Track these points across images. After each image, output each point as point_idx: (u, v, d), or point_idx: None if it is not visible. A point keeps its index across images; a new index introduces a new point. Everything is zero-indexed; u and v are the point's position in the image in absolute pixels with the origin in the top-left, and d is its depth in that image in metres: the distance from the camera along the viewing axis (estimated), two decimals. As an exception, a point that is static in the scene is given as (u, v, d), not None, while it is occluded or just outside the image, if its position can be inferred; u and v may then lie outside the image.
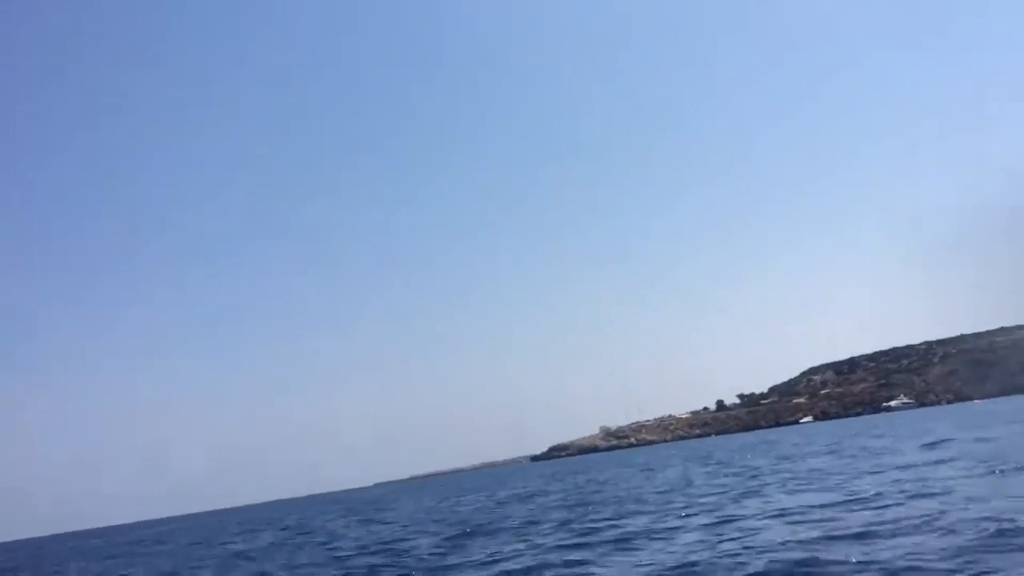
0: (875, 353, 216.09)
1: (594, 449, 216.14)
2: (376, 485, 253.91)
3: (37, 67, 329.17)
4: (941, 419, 76.63)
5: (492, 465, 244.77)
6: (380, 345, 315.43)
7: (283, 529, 51.21)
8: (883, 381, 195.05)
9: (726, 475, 38.47)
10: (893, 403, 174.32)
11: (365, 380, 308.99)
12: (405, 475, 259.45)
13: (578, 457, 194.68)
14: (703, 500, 26.49)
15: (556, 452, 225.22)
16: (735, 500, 25.01)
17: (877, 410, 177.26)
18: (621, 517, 24.41)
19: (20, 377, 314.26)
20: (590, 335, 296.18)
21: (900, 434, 57.04)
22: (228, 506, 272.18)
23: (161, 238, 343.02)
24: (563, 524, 24.80)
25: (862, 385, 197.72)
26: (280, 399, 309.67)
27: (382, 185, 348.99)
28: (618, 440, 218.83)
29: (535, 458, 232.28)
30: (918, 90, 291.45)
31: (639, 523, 22.15)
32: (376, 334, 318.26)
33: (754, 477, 34.20)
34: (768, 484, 29.31)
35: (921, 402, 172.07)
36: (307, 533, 41.99)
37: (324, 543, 31.88)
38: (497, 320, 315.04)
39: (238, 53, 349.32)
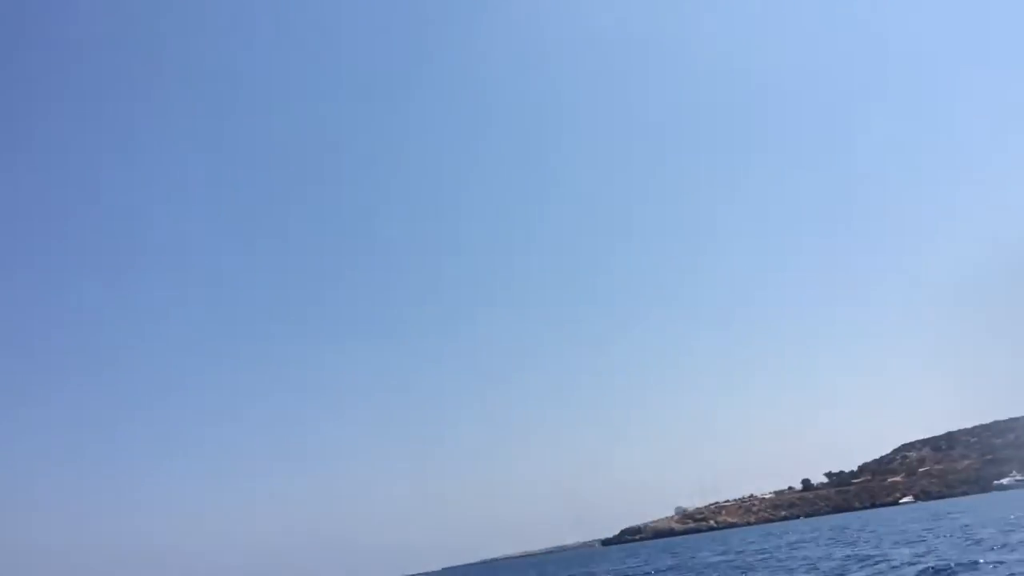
0: (975, 427, 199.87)
1: (670, 532, 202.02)
2: (444, 570, 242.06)
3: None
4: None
5: (563, 549, 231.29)
6: (440, 424, 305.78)
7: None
8: (989, 457, 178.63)
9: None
10: (1006, 480, 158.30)
11: (428, 462, 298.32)
12: (473, 559, 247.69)
13: (653, 541, 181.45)
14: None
15: (628, 535, 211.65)
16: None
17: (986, 489, 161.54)
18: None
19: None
20: (664, 410, 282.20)
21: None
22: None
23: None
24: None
25: (965, 462, 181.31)
26: (352, 482, 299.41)
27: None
28: (695, 522, 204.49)
29: (606, 542, 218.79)
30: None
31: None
32: (437, 412, 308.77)
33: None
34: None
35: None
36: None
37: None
38: (562, 394, 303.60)
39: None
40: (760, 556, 46.11)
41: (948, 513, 73.76)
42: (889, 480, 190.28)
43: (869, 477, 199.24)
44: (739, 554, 51.82)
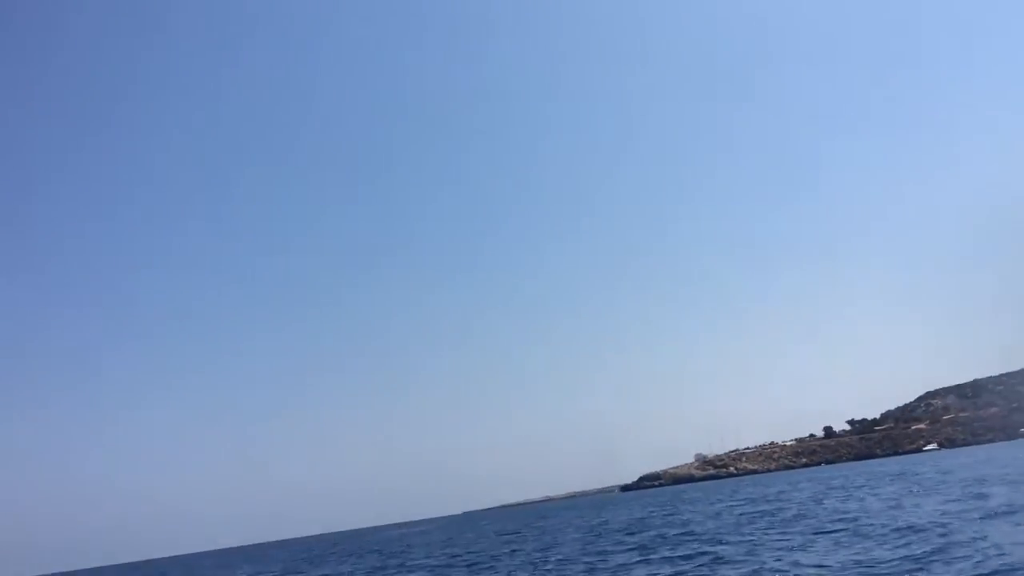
0: (1002, 376, 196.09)
1: (689, 479, 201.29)
2: (464, 514, 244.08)
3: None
4: None
5: (582, 495, 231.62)
6: (465, 374, 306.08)
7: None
8: (1016, 405, 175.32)
9: None
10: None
11: (452, 409, 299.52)
12: (493, 503, 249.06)
13: (672, 487, 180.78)
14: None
15: (647, 482, 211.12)
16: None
17: (1012, 436, 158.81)
18: None
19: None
20: (683, 357, 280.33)
21: None
22: (319, 532, 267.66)
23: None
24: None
25: (992, 409, 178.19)
26: (369, 427, 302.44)
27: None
28: (715, 469, 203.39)
29: (625, 487, 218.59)
30: None
31: None
32: (461, 361, 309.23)
33: None
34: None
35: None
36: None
37: None
38: (582, 343, 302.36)
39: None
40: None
41: (966, 464, 71.48)
42: (913, 428, 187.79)
43: (892, 425, 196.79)
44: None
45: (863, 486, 50.92)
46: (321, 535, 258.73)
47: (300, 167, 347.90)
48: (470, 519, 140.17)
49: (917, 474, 59.20)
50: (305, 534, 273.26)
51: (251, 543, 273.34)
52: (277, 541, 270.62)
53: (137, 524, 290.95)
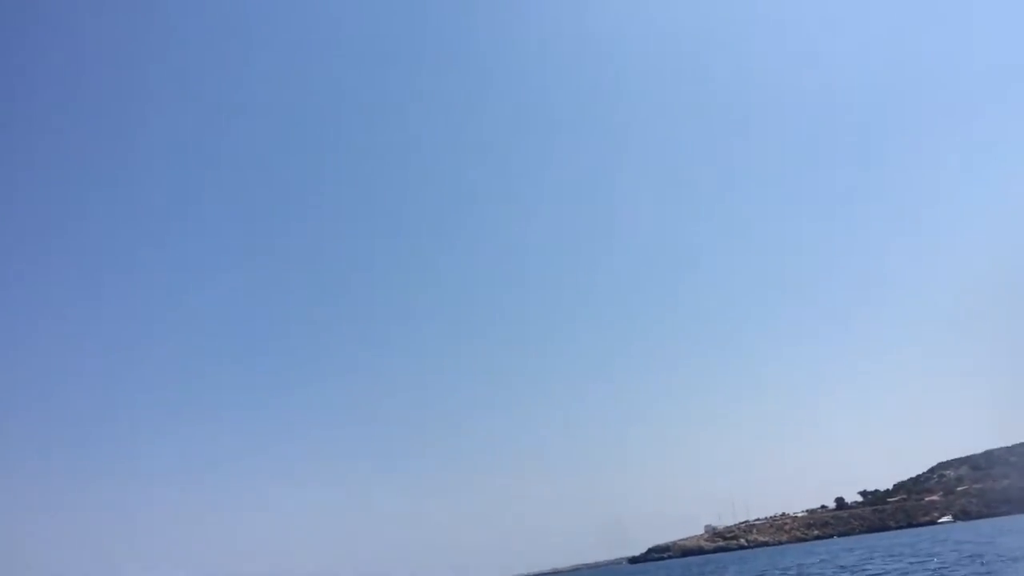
0: (1015, 446, 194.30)
1: (699, 551, 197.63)
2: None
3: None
4: None
5: (590, 567, 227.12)
6: (461, 438, 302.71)
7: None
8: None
9: None
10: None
11: (455, 476, 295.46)
12: (500, 575, 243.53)
13: (681, 559, 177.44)
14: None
15: (656, 554, 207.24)
16: None
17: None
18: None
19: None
20: (693, 426, 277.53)
21: None
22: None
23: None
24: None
25: (1006, 481, 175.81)
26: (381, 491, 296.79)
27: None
28: (725, 541, 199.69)
29: (633, 560, 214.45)
30: None
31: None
32: (459, 425, 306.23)
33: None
34: None
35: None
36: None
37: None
38: (591, 412, 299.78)
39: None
40: None
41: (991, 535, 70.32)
42: (926, 499, 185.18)
43: (905, 496, 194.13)
44: None
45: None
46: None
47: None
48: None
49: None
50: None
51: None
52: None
53: None
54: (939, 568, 37.20)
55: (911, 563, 42.77)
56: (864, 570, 41.68)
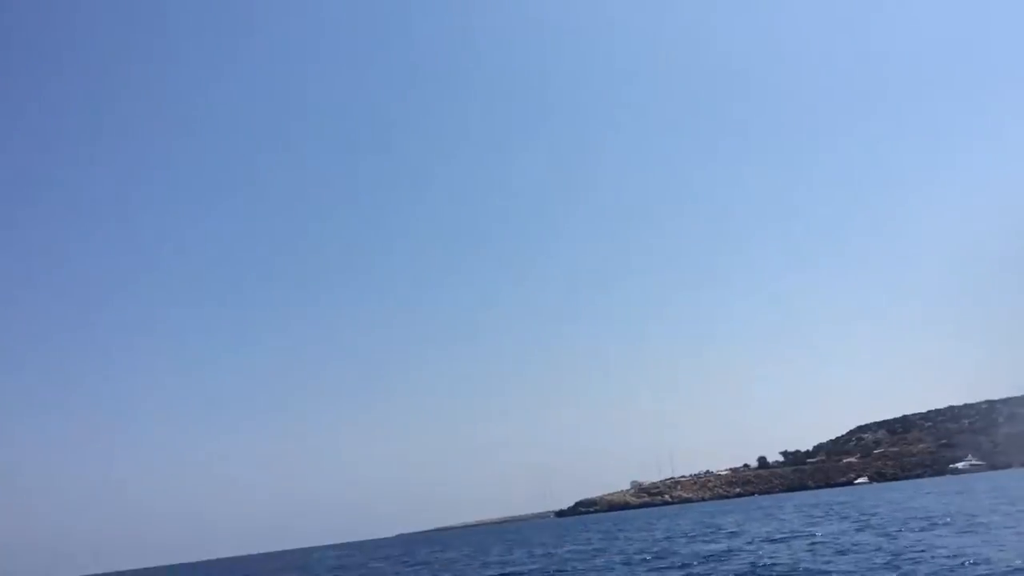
0: (930, 412, 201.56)
1: (625, 506, 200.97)
2: (398, 536, 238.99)
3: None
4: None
5: (516, 520, 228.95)
6: (403, 395, 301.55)
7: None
8: (944, 441, 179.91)
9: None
10: (961, 464, 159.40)
11: (388, 429, 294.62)
12: (428, 527, 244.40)
13: (607, 514, 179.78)
14: None
15: (583, 508, 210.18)
16: None
17: (941, 472, 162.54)
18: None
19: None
20: (621, 383, 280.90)
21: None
22: (245, 553, 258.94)
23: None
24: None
25: (921, 445, 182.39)
26: (303, 448, 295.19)
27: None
28: (651, 497, 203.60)
29: (560, 513, 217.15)
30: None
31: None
32: (396, 385, 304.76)
33: None
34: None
35: (992, 464, 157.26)
36: None
37: None
38: (521, 362, 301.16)
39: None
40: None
41: (899, 498, 72.01)
42: (844, 461, 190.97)
43: (824, 457, 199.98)
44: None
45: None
46: (241, 556, 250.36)
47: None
48: (407, 543, 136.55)
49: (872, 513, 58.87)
50: (221, 555, 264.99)
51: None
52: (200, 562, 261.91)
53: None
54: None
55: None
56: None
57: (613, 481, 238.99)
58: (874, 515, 47.11)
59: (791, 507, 78.14)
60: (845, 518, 47.46)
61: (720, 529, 51.21)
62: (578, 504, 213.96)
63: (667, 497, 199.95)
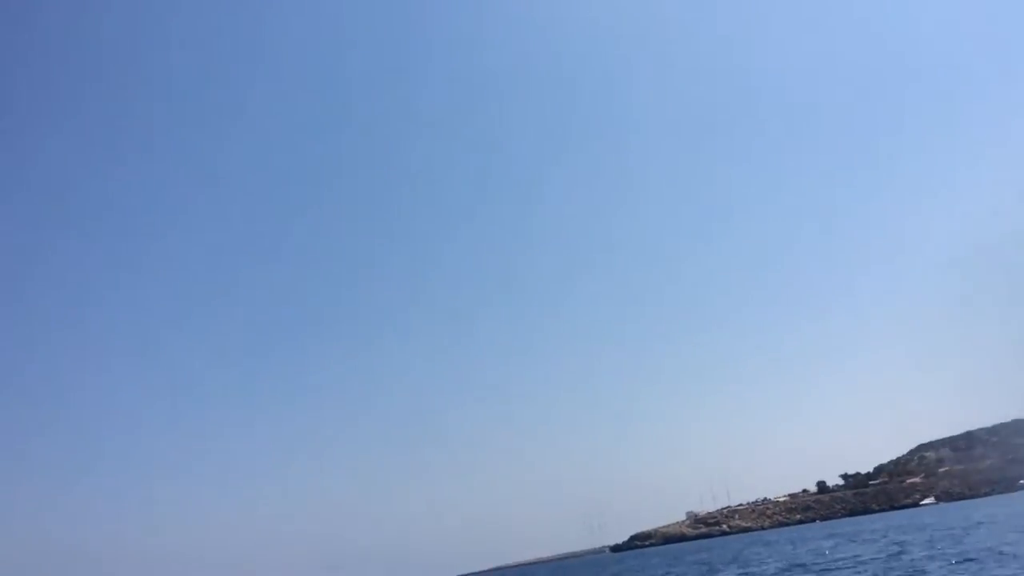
0: (995, 426, 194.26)
1: (681, 537, 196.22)
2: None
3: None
4: None
5: (573, 556, 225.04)
6: (455, 439, 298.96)
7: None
8: (1011, 456, 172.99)
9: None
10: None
11: (443, 468, 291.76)
12: (483, 567, 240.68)
13: (664, 547, 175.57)
14: None
15: (638, 541, 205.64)
16: None
17: (1010, 489, 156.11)
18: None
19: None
20: (672, 414, 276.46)
21: None
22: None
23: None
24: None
25: (987, 461, 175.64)
26: (351, 491, 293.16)
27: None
28: (707, 527, 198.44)
29: (615, 548, 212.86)
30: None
31: None
32: (443, 416, 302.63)
33: None
34: None
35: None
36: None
37: None
38: (570, 398, 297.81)
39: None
40: None
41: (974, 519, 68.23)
42: (908, 481, 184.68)
43: (886, 479, 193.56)
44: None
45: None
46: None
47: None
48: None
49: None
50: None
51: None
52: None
53: None
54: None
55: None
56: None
57: (667, 513, 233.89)
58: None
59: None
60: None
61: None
62: (633, 538, 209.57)
63: (725, 527, 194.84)
